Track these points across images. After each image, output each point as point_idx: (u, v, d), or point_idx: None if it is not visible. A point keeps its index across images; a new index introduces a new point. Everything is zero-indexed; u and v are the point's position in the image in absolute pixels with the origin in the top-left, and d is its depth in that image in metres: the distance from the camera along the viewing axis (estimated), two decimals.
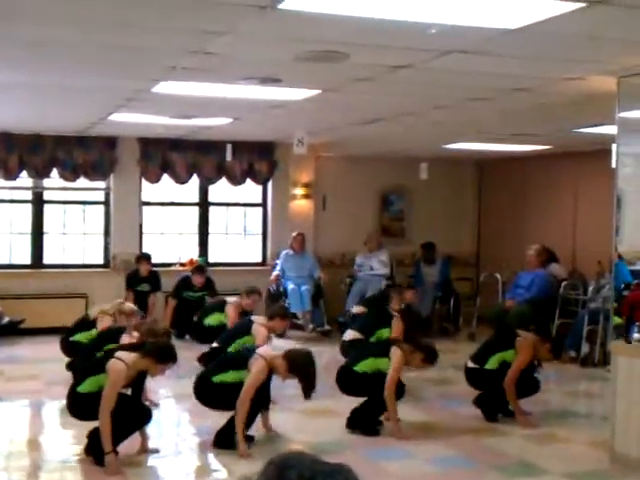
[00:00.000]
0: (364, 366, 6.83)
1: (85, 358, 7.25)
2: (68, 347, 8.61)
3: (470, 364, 7.28)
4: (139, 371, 5.89)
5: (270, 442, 6.44)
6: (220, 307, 9.79)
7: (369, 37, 5.03)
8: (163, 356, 5.89)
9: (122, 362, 5.73)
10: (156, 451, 6.17)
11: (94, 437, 5.80)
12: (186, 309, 11.18)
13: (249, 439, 6.23)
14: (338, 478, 1.20)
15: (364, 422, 6.75)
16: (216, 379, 6.33)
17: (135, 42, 5.34)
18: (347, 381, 6.94)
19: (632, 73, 5.78)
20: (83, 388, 5.93)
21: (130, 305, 8.64)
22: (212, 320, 9.80)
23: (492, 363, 7.14)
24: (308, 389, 6.23)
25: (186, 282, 11.43)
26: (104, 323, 8.19)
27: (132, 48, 5.53)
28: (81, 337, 8.46)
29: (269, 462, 1.23)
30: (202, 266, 11.73)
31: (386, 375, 6.64)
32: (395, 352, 6.69)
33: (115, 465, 5.65)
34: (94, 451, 5.82)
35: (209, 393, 6.40)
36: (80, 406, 5.97)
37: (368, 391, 6.78)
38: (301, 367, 6.23)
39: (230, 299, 9.80)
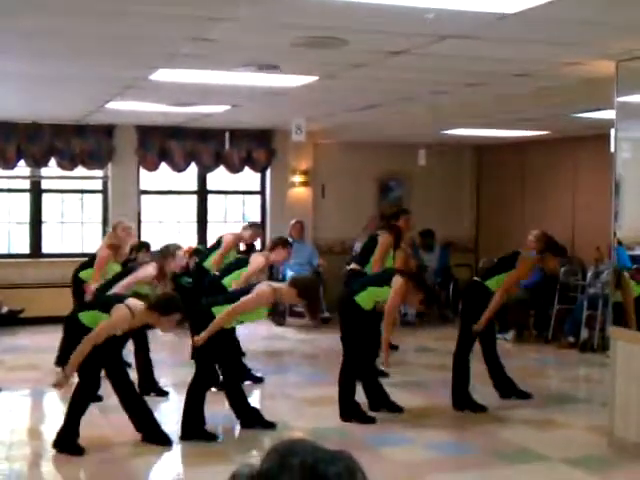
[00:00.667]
0: (365, 296, 6.78)
1: (102, 290, 7.34)
2: (76, 283, 8.77)
3: None
4: (143, 324, 5.92)
5: (270, 430, 6.46)
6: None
7: (366, 23, 5.01)
8: (166, 308, 5.81)
9: (129, 310, 5.74)
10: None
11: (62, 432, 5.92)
12: (182, 296, 11.13)
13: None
14: (339, 465, 1.20)
15: (356, 410, 6.79)
16: (215, 310, 6.28)
17: (133, 30, 5.32)
18: (347, 311, 6.89)
19: (631, 57, 5.76)
20: (83, 317, 5.96)
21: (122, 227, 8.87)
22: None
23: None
24: (316, 311, 6.36)
25: (183, 270, 11.41)
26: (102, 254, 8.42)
27: (130, 36, 5.52)
28: (86, 274, 8.65)
29: (271, 449, 1.24)
30: (200, 249, 11.71)
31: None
32: (397, 279, 6.72)
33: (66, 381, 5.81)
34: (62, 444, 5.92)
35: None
36: (71, 330, 6.06)
37: (366, 323, 6.81)
38: (310, 290, 6.35)
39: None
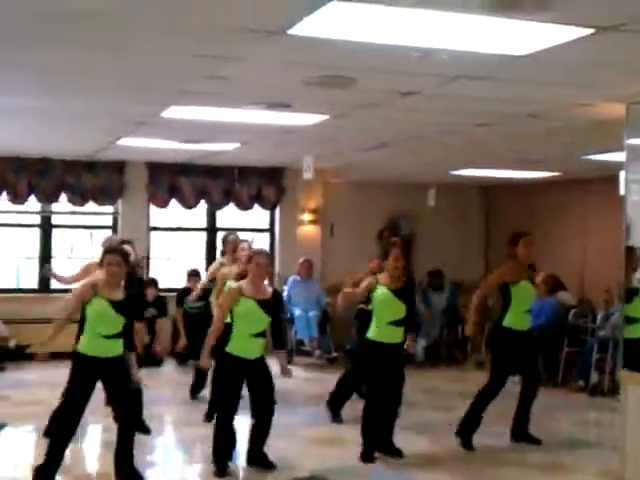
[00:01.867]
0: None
1: None
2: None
3: None
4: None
5: (278, 469, 6.38)
6: None
7: (378, 62, 5.04)
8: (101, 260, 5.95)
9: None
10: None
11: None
12: (187, 324, 11.08)
13: None
14: None
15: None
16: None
17: (146, 66, 5.36)
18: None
19: None
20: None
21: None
22: None
23: None
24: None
25: (186, 293, 11.39)
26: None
27: (143, 72, 5.56)
28: None
29: None
30: (197, 271, 11.65)
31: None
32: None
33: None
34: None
35: None
36: None
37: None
38: None
39: None
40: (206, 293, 9.44)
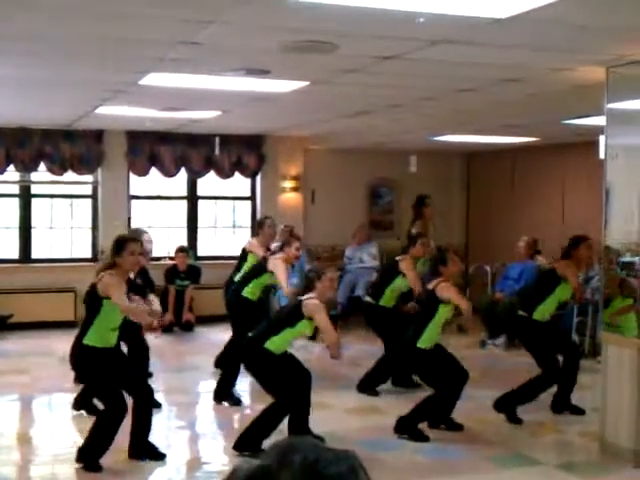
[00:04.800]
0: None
1: None
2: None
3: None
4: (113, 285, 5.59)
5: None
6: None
7: (357, 27, 5.01)
8: (117, 247, 5.69)
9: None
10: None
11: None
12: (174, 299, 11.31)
13: None
14: (342, 465, 1.18)
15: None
16: (270, 344, 5.98)
17: (122, 33, 5.31)
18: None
19: (621, 63, 5.77)
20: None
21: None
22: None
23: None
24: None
25: (173, 270, 11.46)
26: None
27: (119, 40, 5.50)
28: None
29: (273, 445, 1.21)
30: (184, 247, 11.75)
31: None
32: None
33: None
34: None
35: (261, 360, 6.07)
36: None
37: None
38: None
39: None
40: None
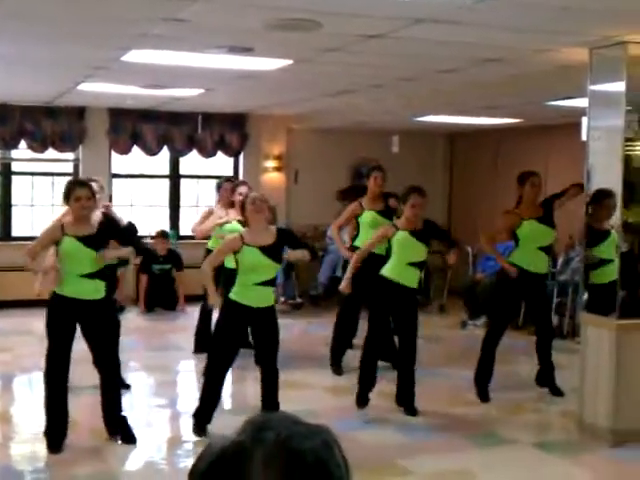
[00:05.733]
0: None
1: None
2: None
3: None
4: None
5: (245, 413, 6.44)
6: None
7: (340, 5, 4.98)
8: (65, 195, 5.68)
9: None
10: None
11: None
12: (153, 284, 11.22)
13: None
14: (315, 439, 1.18)
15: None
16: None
17: (103, 9, 5.25)
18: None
19: (604, 45, 5.78)
20: None
21: None
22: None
23: None
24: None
25: (152, 254, 11.40)
26: None
27: (100, 15, 5.45)
28: None
29: (247, 421, 1.21)
30: (164, 231, 11.69)
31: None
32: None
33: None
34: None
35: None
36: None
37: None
38: None
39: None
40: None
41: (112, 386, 5.82)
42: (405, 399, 6.67)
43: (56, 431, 5.63)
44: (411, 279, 6.56)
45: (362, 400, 6.71)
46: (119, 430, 5.85)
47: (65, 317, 5.60)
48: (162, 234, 11.56)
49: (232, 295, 5.91)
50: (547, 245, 7.23)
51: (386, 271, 6.56)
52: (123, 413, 5.88)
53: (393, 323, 6.85)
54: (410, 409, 6.63)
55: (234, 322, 5.93)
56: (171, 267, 11.44)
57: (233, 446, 1.18)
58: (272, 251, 5.83)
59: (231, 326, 5.94)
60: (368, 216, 7.95)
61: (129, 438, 5.85)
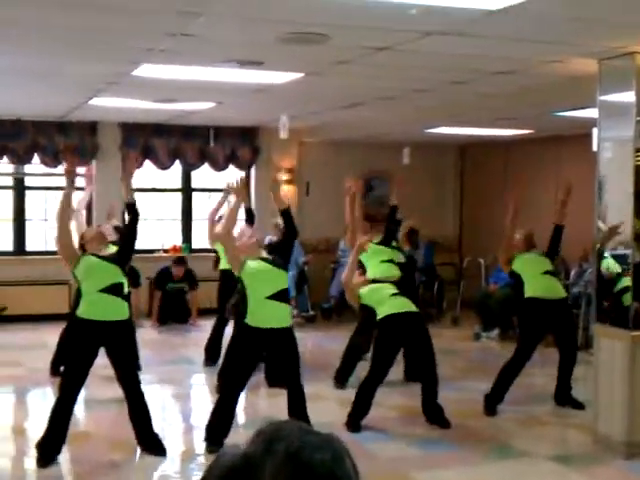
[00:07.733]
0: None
1: None
2: None
3: None
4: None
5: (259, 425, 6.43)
6: None
7: (350, 18, 5.00)
8: None
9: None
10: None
11: None
12: (166, 300, 11.24)
13: None
14: (326, 451, 1.18)
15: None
16: None
17: (114, 24, 5.29)
18: None
19: (613, 55, 5.78)
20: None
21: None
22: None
23: None
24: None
25: (166, 274, 11.38)
26: None
27: (112, 30, 5.48)
28: None
29: (258, 432, 1.21)
30: (183, 257, 11.68)
31: None
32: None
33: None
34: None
35: None
36: None
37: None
38: None
39: None
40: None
41: (140, 402, 5.84)
42: (435, 414, 6.64)
43: (52, 445, 5.64)
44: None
45: (355, 426, 6.54)
46: (153, 445, 5.87)
47: (91, 342, 5.63)
48: (180, 260, 11.46)
49: (247, 320, 5.86)
50: (550, 270, 7.35)
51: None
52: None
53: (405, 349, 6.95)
54: (442, 422, 6.61)
55: (251, 349, 5.92)
56: (185, 286, 11.41)
57: (244, 458, 1.18)
58: (271, 260, 5.97)
59: (248, 354, 5.93)
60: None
61: (162, 451, 5.88)
